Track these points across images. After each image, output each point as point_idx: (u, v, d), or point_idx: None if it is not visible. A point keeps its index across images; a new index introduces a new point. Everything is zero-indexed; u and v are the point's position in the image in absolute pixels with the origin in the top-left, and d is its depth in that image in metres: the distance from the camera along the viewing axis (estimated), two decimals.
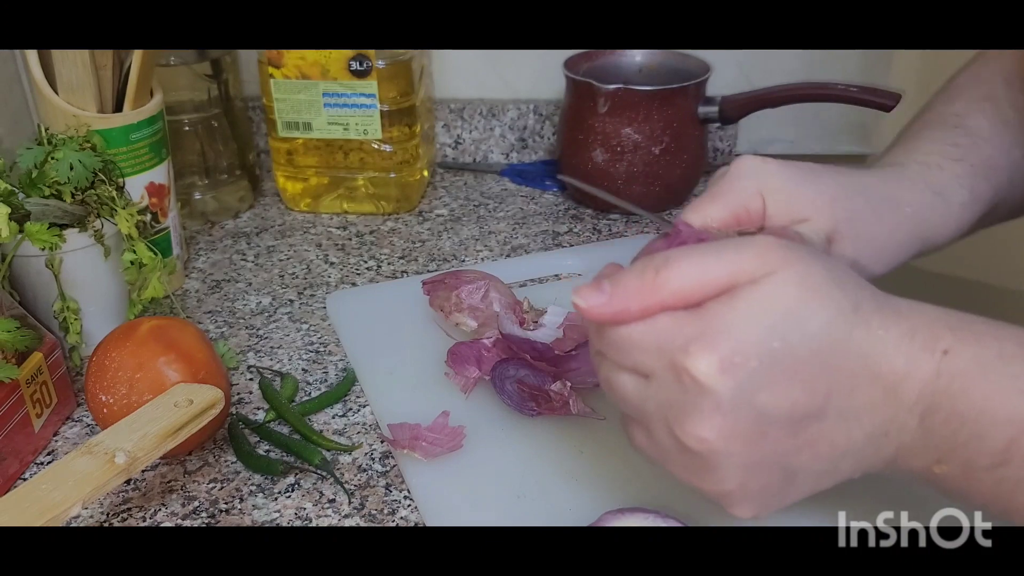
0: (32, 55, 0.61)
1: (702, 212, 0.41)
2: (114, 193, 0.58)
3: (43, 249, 0.55)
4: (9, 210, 0.53)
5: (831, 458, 0.34)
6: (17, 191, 0.55)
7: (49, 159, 0.56)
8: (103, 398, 0.48)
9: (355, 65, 0.75)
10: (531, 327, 0.59)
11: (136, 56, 0.62)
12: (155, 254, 0.59)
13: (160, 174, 0.67)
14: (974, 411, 0.32)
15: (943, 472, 0.33)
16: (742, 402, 0.32)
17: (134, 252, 0.58)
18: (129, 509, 0.48)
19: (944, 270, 0.80)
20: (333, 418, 0.55)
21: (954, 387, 0.32)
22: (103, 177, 0.58)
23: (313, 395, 0.57)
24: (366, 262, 0.75)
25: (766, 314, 0.32)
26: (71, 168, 0.56)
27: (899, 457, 0.34)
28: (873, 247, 0.43)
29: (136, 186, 0.65)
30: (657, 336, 0.33)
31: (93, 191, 0.57)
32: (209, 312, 0.67)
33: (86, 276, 0.58)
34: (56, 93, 0.61)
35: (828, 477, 0.36)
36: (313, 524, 0.47)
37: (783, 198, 0.41)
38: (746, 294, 0.32)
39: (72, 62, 0.60)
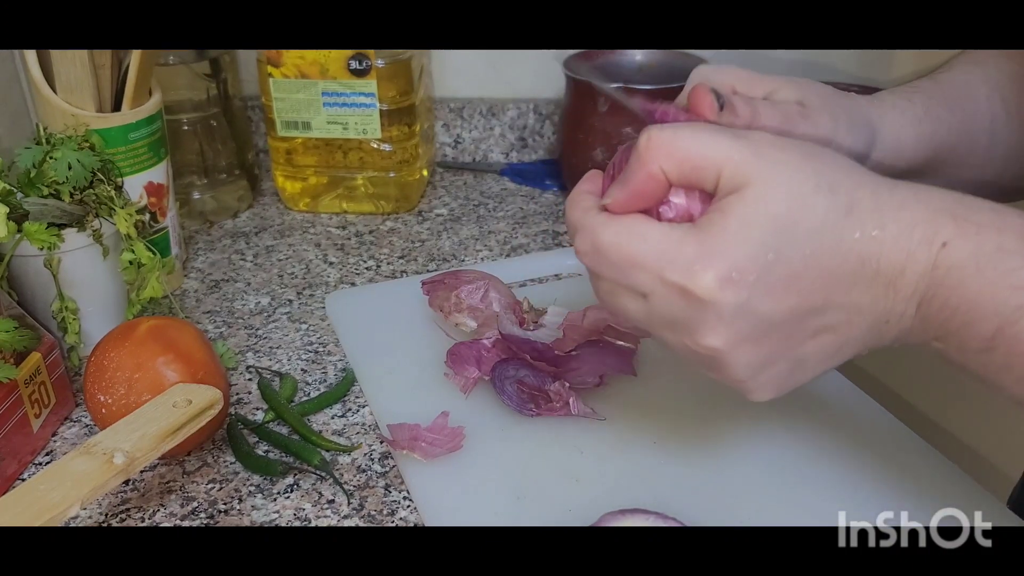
0: (31, 55, 0.61)
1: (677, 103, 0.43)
2: (112, 193, 0.58)
3: (41, 249, 0.54)
4: (8, 210, 0.53)
5: (836, 345, 0.35)
6: (16, 191, 0.55)
7: (48, 159, 0.56)
8: (101, 398, 0.48)
9: (354, 64, 0.75)
10: (531, 327, 0.58)
11: (135, 56, 0.62)
12: (154, 254, 0.59)
13: (159, 174, 0.67)
14: (965, 303, 0.33)
15: (940, 347, 0.35)
16: (744, 312, 0.33)
17: (133, 252, 0.58)
18: (128, 510, 0.48)
19: None
20: (332, 418, 0.55)
21: (950, 279, 0.33)
22: (101, 177, 0.58)
23: (312, 395, 0.57)
24: (365, 262, 0.74)
25: (756, 228, 0.33)
26: (69, 168, 0.56)
27: (899, 338, 0.35)
28: (847, 119, 0.43)
29: (135, 186, 0.65)
30: (657, 257, 0.34)
31: (92, 191, 0.57)
32: (208, 312, 0.67)
33: (85, 276, 0.58)
34: (55, 92, 0.61)
35: (835, 359, 0.36)
36: (312, 525, 0.47)
37: (751, 83, 0.42)
38: (735, 208, 0.33)
39: (71, 61, 0.60)
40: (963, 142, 0.49)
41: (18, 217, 0.54)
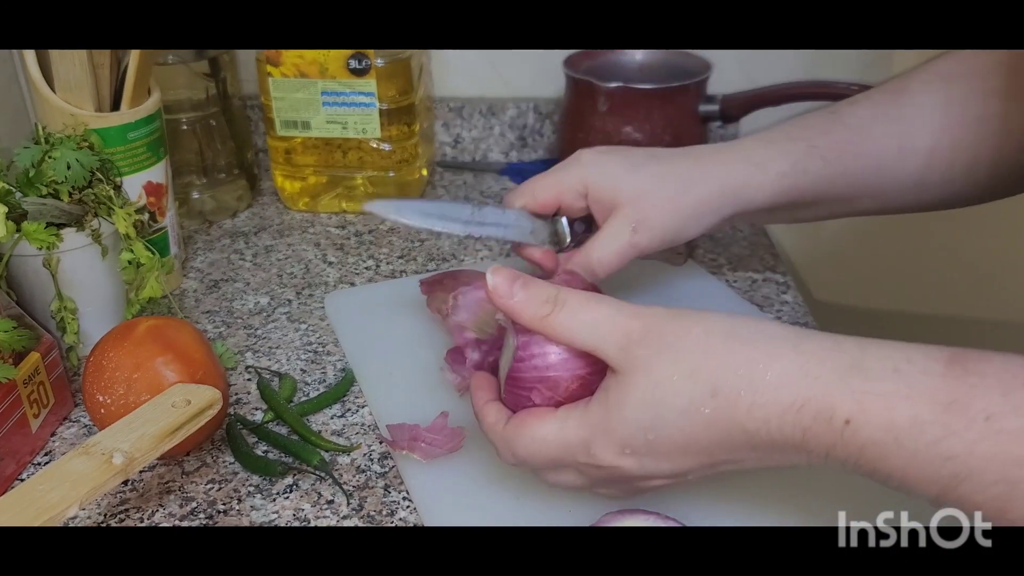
0: (30, 54, 0.61)
1: (528, 191, 0.52)
2: (111, 192, 0.58)
3: (40, 249, 0.54)
4: (7, 209, 0.53)
5: (763, 466, 0.37)
6: (14, 190, 0.55)
7: (46, 158, 0.56)
8: (101, 398, 0.48)
9: (354, 64, 0.75)
10: None
11: (133, 55, 0.62)
12: (153, 253, 0.58)
13: (158, 173, 0.66)
14: (896, 473, 0.33)
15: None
16: (650, 470, 0.38)
17: (132, 252, 0.57)
18: (127, 510, 0.48)
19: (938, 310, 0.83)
20: (331, 418, 0.55)
21: (868, 454, 0.33)
22: (100, 176, 0.58)
23: (311, 395, 0.57)
24: (365, 262, 0.74)
25: (630, 411, 0.37)
26: (68, 167, 0.56)
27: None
28: (682, 218, 0.51)
29: (134, 185, 0.64)
30: (564, 450, 0.39)
31: (91, 190, 0.57)
32: (207, 312, 0.67)
33: (84, 276, 0.58)
34: (54, 92, 0.61)
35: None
36: (312, 525, 0.47)
37: (602, 191, 0.51)
38: (612, 393, 0.37)
39: (70, 61, 0.60)
40: (846, 185, 0.52)
41: (16, 217, 0.54)
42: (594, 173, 0.51)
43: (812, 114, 0.55)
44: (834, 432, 0.33)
